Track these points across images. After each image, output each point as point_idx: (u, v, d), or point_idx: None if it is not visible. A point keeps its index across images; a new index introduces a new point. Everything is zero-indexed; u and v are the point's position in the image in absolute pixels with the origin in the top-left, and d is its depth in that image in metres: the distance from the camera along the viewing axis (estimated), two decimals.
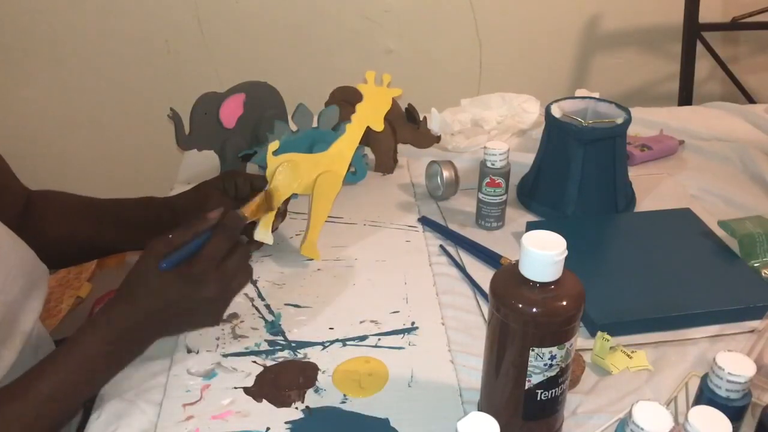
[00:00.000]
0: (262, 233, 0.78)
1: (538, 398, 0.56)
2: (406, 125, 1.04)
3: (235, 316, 0.76)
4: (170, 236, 0.66)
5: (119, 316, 0.65)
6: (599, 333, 0.69)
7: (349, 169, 1.02)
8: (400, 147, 1.06)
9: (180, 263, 0.65)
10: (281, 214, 0.84)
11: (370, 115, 0.83)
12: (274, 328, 0.75)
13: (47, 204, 0.86)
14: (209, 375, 0.68)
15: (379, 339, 0.73)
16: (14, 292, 0.70)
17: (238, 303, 0.78)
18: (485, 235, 0.90)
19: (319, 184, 0.81)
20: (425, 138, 1.05)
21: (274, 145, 0.79)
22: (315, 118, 0.94)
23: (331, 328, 0.74)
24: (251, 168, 1.02)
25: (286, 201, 0.82)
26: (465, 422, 0.47)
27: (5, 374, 0.67)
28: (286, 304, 0.78)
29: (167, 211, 0.84)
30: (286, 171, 0.79)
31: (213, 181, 0.86)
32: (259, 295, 0.80)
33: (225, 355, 0.71)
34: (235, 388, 0.67)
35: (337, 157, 0.83)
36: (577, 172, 0.90)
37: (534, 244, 0.52)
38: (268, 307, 0.78)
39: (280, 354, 0.71)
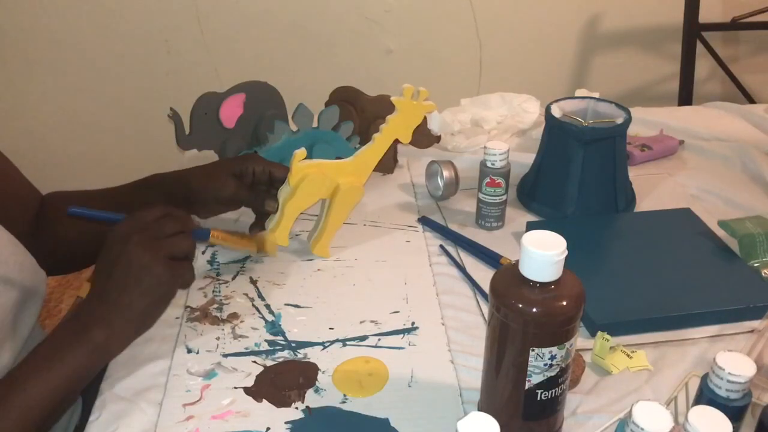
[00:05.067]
0: (282, 238, 0.80)
1: (538, 398, 0.56)
2: None
3: (235, 316, 0.76)
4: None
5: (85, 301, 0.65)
6: (599, 333, 0.69)
7: None
8: (400, 147, 1.06)
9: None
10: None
11: (400, 128, 0.83)
12: (274, 328, 0.75)
13: (57, 206, 0.85)
14: (209, 375, 0.68)
15: (379, 339, 0.73)
16: (11, 297, 0.69)
17: (238, 303, 0.78)
18: (485, 235, 0.90)
19: (342, 195, 0.81)
20: (425, 138, 1.05)
21: (301, 154, 0.77)
22: (315, 118, 0.95)
23: (331, 328, 0.74)
24: None
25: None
26: (465, 422, 0.47)
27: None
28: (286, 304, 0.78)
29: (180, 186, 0.81)
30: (312, 183, 0.78)
31: (229, 164, 0.83)
32: (259, 295, 0.80)
33: (225, 355, 0.71)
34: (235, 388, 0.67)
35: (362, 166, 0.83)
36: (577, 172, 0.90)
37: (534, 244, 0.52)
38: (268, 307, 0.78)
39: (280, 354, 0.71)
